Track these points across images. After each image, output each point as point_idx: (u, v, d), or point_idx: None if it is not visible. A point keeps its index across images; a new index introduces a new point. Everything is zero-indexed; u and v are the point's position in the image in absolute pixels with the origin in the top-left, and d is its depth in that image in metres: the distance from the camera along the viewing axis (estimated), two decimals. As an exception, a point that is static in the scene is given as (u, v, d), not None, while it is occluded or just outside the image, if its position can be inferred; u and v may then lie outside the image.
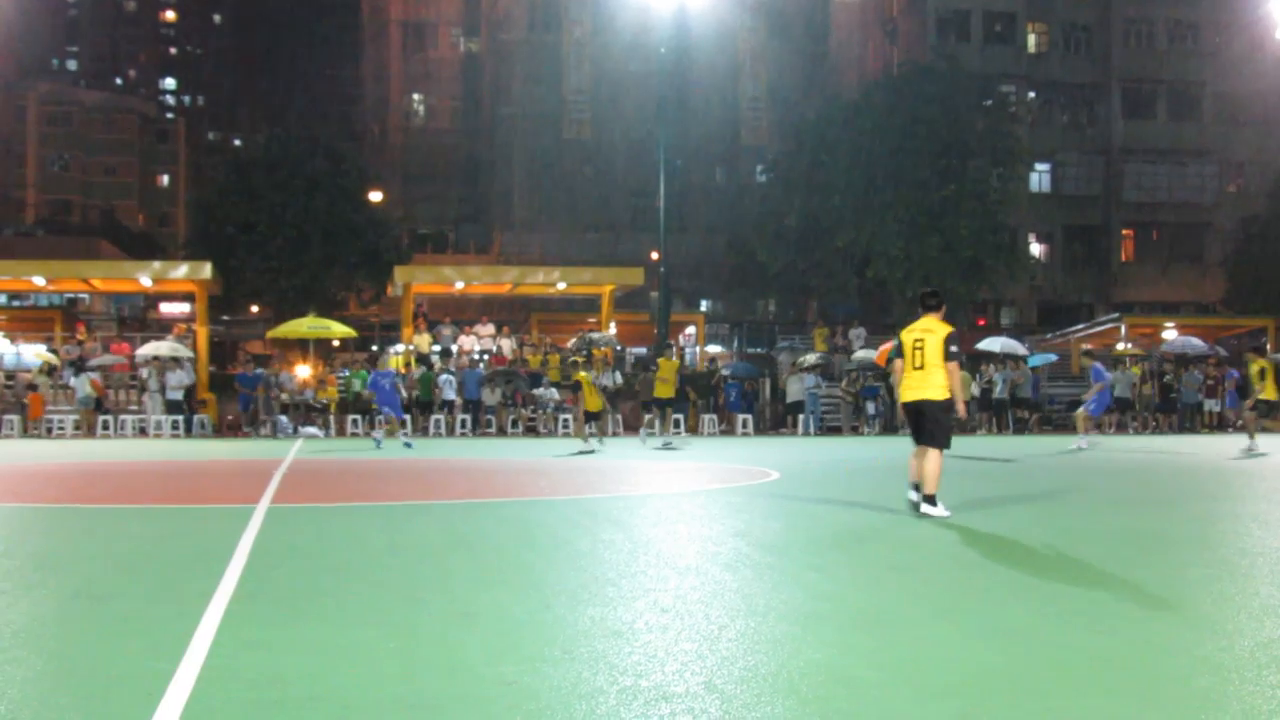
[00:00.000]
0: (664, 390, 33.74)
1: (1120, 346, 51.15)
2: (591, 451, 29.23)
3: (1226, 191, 74.65)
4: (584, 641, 7.13)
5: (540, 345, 47.63)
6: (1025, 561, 10.87)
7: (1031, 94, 74.17)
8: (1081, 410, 33.57)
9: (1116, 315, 56.78)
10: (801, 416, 43.05)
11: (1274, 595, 8.79)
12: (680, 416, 40.88)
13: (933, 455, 13.88)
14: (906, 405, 14.27)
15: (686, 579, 9.58)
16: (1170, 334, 55.22)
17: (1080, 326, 57.91)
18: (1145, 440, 38.33)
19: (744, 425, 42.77)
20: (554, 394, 41.80)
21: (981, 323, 62.22)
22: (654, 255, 51.10)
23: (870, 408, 43.21)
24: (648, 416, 36.03)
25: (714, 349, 56.29)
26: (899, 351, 14.29)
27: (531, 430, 41.43)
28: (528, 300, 57.36)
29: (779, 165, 59.27)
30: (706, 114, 67.43)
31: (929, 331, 13.98)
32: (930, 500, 13.86)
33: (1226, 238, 69.40)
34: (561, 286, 49.02)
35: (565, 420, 41.31)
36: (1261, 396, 29.72)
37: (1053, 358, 48.92)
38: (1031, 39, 75.08)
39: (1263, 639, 7.23)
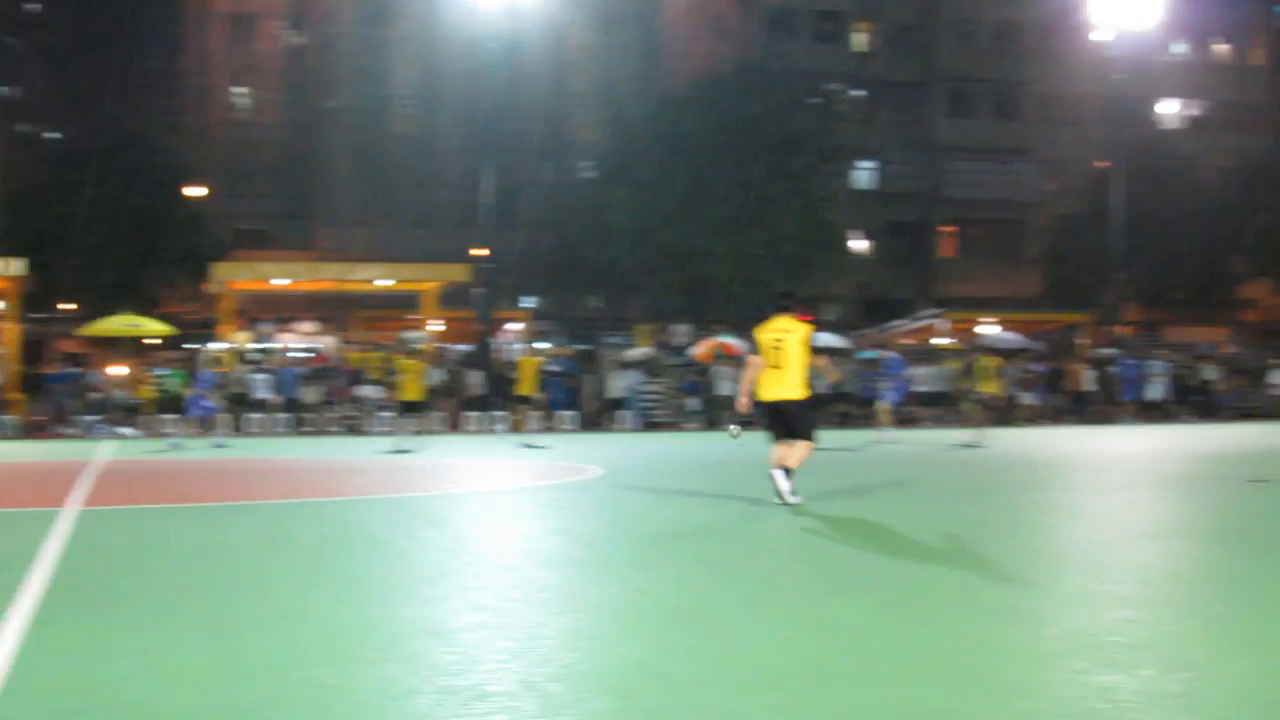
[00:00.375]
0: (525, 388, 33.60)
1: (940, 341, 51.82)
2: (409, 451, 28.88)
3: (1045, 190, 75.87)
4: (400, 642, 7.07)
5: (362, 343, 47.13)
6: (844, 554, 10.98)
7: (857, 92, 74.91)
8: (883, 403, 34.19)
9: (937, 310, 57.51)
10: (625, 412, 43.12)
11: (1083, 584, 8.96)
12: (573, 413, 41.32)
13: (801, 445, 14.33)
14: (765, 404, 14.50)
15: (505, 577, 9.55)
16: (989, 329, 56.10)
17: (902, 321, 58.58)
18: (963, 433, 38.89)
19: (567, 422, 42.72)
20: (375, 392, 41.45)
21: (806, 318, 62.60)
22: (479, 251, 50.88)
23: (692, 404, 43.37)
24: (512, 415, 36.04)
25: (541, 345, 56.22)
26: (756, 349, 14.55)
27: (352, 429, 41.02)
28: (350, 297, 56.81)
29: (607, 162, 59.25)
30: (535, 110, 67.10)
31: (787, 332, 14.37)
32: (788, 473, 14.24)
33: (1044, 235, 70.57)
34: (385, 283, 48.65)
35: (386, 419, 41.02)
36: (982, 389, 30.89)
37: (877, 354, 49.41)
38: (858, 38, 75.82)
39: (1071, 626, 7.35)
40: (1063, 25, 70.33)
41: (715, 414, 42.35)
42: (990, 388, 31.63)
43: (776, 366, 14.26)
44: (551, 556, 10.64)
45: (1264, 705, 5.65)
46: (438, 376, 40.68)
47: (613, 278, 60.23)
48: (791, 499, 14.10)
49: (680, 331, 50.56)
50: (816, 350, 14.87)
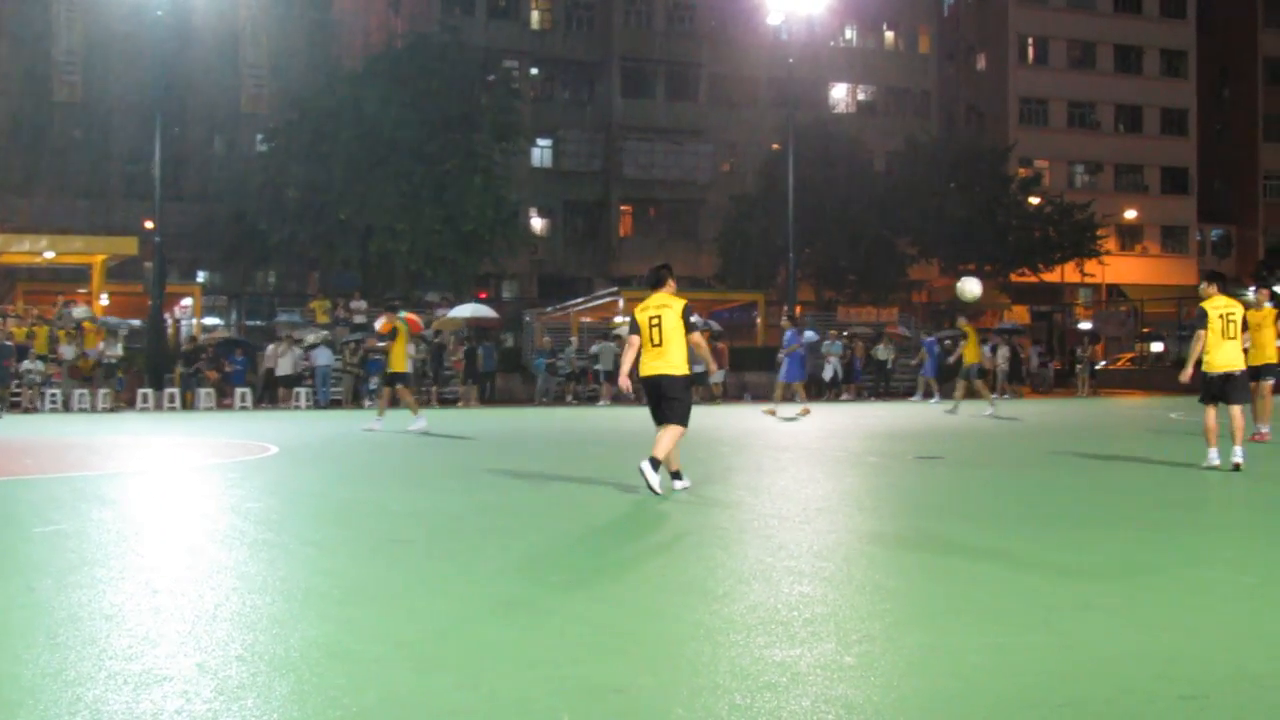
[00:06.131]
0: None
1: (619, 319, 52.30)
2: None
3: (720, 170, 77.06)
4: (72, 626, 6.84)
5: (26, 317, 45.58)
6: (523, 534, 10.95)
7: (534, 70, 75.10)
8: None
9: (615, 289, 58.05)
10: (301, 389, 42.56)
11: (761, 560, 9.08)
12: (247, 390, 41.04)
13: (673, 431, 13.50)
14: (646, 380, 13.65)
15: (181, 558, 9.35)
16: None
17: (580, 300, 58.97)
18: (645, 412, 39.27)
19: (242, 399, 42.01)
20: (40, 367, 40.17)
21: (483, 295, 62.49)
22: (149, 224, 49.62)
23: (374, 382, 43.03)
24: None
25: (211, 321, 55.17)
26: (634, 328, 13.60)
27: (15, 406, 39.64)
28: (13, 270, 54.92)
29: (280, 135, 58.33)
30: (205, 80, 65.68)
31: (665, 307, 13.50)
32: (654, 464, 13.24)
33: (719, 215, 71.56)
34: (49, 255, 47.18)
35: (53, 395, 39.79)
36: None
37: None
38: (535, 16, 75.92)
39: (751, 603, 7.45)
40: (736, 8, 71.46)
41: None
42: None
43: (656, 344, 13.41)
44: (228, 536, 10.43)
45: (936, 675, 5.82)
46: (115, 350, 39.81)
47: (290, 253, 59.38)
48: (662, 488, 13.27)
49: (357, 307, 50.14)
50: (693, 327, 13.63)
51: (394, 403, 28.03)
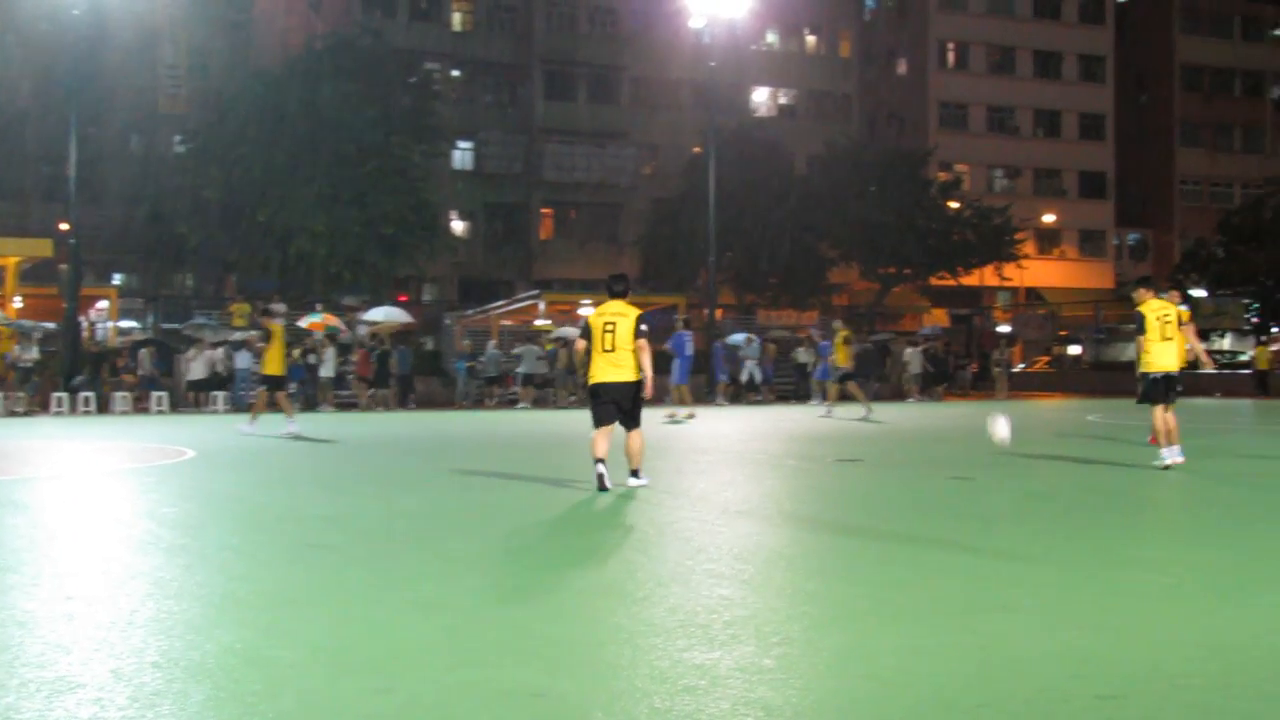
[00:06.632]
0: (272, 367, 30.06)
1: (539, 323, 52.20)
2: None
3: (642, 173, 77.04)
4: (-18, 633, 6.75)
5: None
6: (441, 538, 10.91)
7: (455, 72, 74.84)
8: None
9: (536, 292, 57.95)
10: (218, 393, 42.19)
11: (681, 563, 9.08)
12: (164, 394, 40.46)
13: (636, 434, 14.36)
14: (599, 385, 14.22)
15: (95, 564, 9.24)
16: (586, 311, 56.71)
17: (501, 303, 58.81)
18: (565, 414, 39.30)
19: (159, 403, 41.61)
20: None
21: (403, 299, 62.26)
22: (64, 226, 49.05)
23: (292, 387, 42.69)
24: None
25: (127, 324, 54.59)
26: (587, 334, 14.36)
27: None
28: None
29: (199, 136, 57.81)
30: (122, 80, 64.99)
31: (621, 315, 14.18)
32: (636, 474, 14.37)
33: (641, 218, 71.48)
34: (-41, 258, 46.61)
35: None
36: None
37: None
38: (456, 17, 75.70)
39: (670, 605, 7.45)
40: (658, 11, 71.45)
41: (316, 394, 41.85)
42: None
43: (609, 350, 14.09)
44: (143, 542, 10.34)
45: (855, 676, 5.84)
46: (32, 354, 39.40)
47: (208, 255, 58.89)
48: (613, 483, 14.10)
49: (278, 311, 49.75)
50: (641, 334, 14.35)
51: (272, 406, 27.75)
